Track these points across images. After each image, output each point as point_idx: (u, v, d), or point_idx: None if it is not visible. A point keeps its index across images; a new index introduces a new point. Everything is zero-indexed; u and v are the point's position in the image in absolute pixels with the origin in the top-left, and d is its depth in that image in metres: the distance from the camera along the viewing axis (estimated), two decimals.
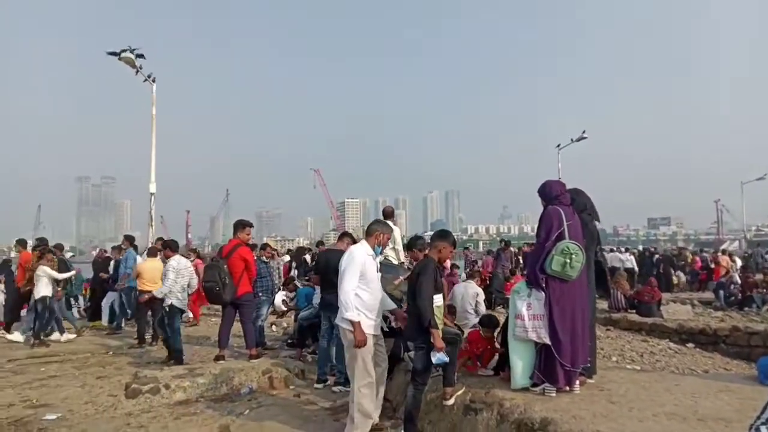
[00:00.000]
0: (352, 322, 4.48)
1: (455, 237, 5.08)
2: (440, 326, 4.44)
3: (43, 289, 9.75)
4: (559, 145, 32.06)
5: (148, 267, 9.52)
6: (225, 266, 7.32)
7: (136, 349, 9.45)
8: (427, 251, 4.91)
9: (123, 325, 11.57)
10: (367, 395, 4.59)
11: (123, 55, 16.15)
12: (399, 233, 9.63)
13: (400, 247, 9.37)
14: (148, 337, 9.85)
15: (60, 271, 10.39)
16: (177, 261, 8.15)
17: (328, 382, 6.62)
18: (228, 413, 5.63)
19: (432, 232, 5.46)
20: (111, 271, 11.96)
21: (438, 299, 4.47)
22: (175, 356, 7.89)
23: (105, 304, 11.96)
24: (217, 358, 7.32)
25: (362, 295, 4.56)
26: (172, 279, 7.87)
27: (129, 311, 11.22)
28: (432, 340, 4.25)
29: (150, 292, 8.65)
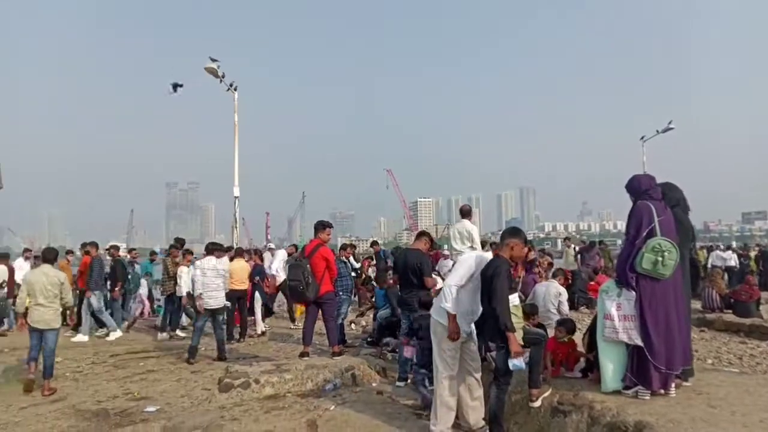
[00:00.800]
0: (447, 314, 4.53)
1: (532, 235, 4.99)
2: (520, 325, 4.37)
3: (183, 287, 10.36)
4: (643, 138, 30.54)
5: (237, 267, 9.98)
6: (308, 266, 7.53)
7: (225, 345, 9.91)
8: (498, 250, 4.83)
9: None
10: (448, 387, 4.65)
11: (207, 66, 16.96)
12: (477, 232, 9.54)
13: (478, 246, 9.29)
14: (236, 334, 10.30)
15: (117, 272, 11.03)
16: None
17: (409, 380, 6.67)
18: (314, 408, 5.78)
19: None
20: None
21: (514, 299, 4.40)
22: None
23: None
24: (302, 355, 7.55)
25: (461, 294, 4.57)
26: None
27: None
28: (509, 345, 4.19)
29: (241, 290, 9.07)
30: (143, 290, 13.49)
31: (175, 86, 18.21)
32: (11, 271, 11.20)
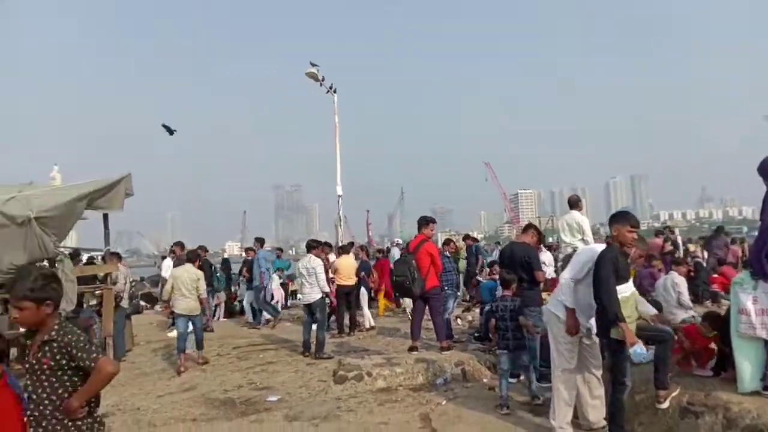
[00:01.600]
0: (566, 308, 4.43)
1: (646, 226, 4.69)
2: (632, 318, 4.10)
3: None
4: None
5: (344, 263, 10.29)
6: (413, 261, 7.60)
7: (336, 338, 10.26)
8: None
9: (262, 321, 12.41)
10: (565, 381, 4.54)
11: (307, 71, 17.62)
12: (587, 223, 9.13)
13: (589, 237, 8.89)
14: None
15: (203, 271, 11.73)
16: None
17: (521, 377, 6.54)
18: (426, 402, 5.85)
19: None
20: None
21: (624, 289, 4.14)
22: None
23: (246, 302, 13.28)
24: (411, 349, 7.64)
25: (579, 288, 4.44)
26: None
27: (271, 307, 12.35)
28: (623, 336, 3.97)
29: (349, 286, 9.36)
30: (275, 284, 14.61)
31: (169, 130, 18.65)
32: None
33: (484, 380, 6.70)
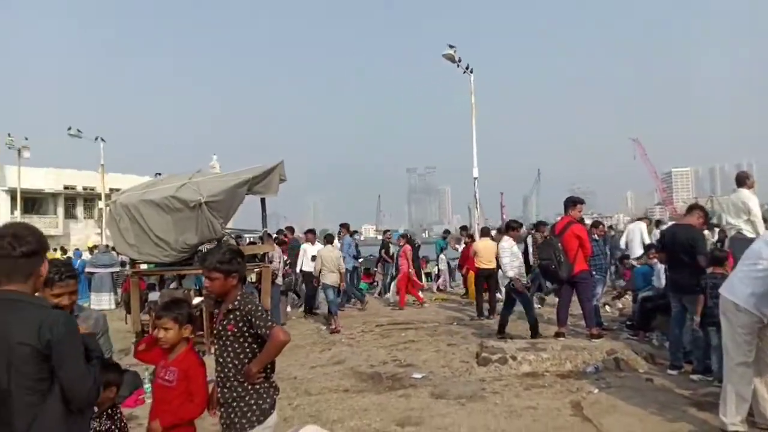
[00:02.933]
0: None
1: None
2: None
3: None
4: None
5: (483, 246, 10.19)
6: (559, 244, 7.31)
7: (475, 321, 10.23)
8: None
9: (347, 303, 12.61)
10: (741, 375, 4.16)
11: (444, 52, 17.56)
12: (756, 202, 8.12)
13: (758, 218, 7.92)
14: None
15: (292, 254, 12.04)
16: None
17: (683, 369, 6.05)
18: (577, 390, 5.63)
19: None
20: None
21: None
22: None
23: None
24: (557, 335, 7.39)
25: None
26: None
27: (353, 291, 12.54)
28: None
29: (489, 269, 9.26)
30: (443, 265, 15.03)
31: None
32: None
33: (641, 371, 6.29)
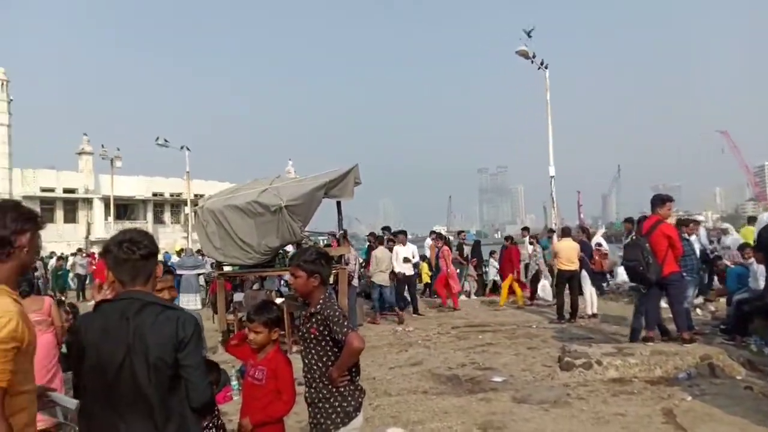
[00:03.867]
0: None
1: None
2: None
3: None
4: None
5: (565, 246, 9.90)
6: (647, 244, 6.98)
7: (555, 324, 9.95)
8: None
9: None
10: None
11: (518, 49, 17.23)
12: None
13: None
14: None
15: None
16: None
17: None
18: (668, 397, 5.36)
19: None
20: None
21: None
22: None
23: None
24: (646, 340, 7.05)
25: None
26: None
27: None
28: None
29: (570, 270, 8.98)
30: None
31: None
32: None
33: (738, 378, 5.90)
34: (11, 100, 38.31)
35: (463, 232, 16.58)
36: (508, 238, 15.53)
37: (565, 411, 5.21)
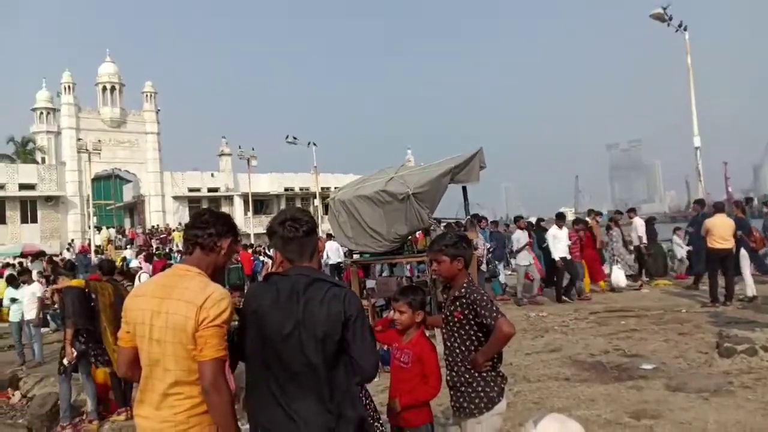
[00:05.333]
0: None
1: None
2: None
3: None
4: None
5: (718, 223, 8.99)
6: None
7: (709, 308, 9.12)
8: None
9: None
10: None
11: (653, 12, 15.91)
12: None
13: None
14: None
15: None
16: None
17: None
18: None
19: None
20: None
21: None
22: None
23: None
24: None
25: None
26: None
27: None
28: None
29: (725, 249, 8.15)
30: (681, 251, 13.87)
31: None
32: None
33: None
34: (159, 110, 42.55)
35: (594, 212, 15.62)
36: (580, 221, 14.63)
37: (728, 400, 4.78)
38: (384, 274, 10.93)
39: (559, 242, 11.12)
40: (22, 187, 36.33)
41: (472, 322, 2.98)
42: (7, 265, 17.99)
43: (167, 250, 22.20)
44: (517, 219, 12.77)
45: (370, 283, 10.45)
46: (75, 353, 6.09)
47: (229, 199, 43.53)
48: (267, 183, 44.82)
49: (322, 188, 38.33)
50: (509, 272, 14.12)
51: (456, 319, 3.04)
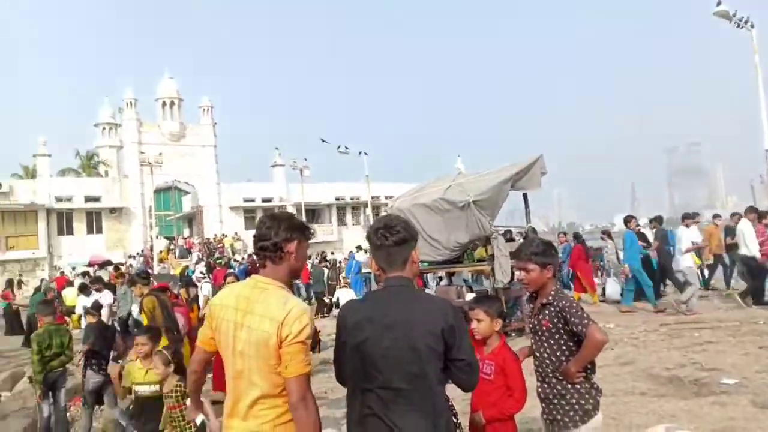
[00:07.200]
0: None
1: None
2: None
3: None
4: None
5: None
6: None
7: None
8: None
9: None
10: None
11: (716, 10, 15.27)
12: None
13: None
14: None
15: None
16: None
17: None
18: None
19: None
20: None
21: None
22: None
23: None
24: None
25: None
26: None
27: None
28: None
29: None
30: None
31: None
32: None
33: None
34: (215, 123, 43.88)
35: (654, 221, 14.89)
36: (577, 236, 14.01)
37: None
38: (442, 283, 10.84)
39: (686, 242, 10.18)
40: (88, 199, 38.04)
41: (562, 331, 2.88)
42: (83, 273, 18.84)
43: (227, 260, 22.74)
44: (629, 219, 11.29)
45: (429, 292, 10.38)
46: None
47: (282, 209, 44.35)
48: (319, 192, 45.46)
49: (373, 197, 38.51)
50: None
51: (544, 328, 2.95)
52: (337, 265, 20.99)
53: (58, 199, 36.28)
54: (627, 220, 11.11)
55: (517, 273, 3.12)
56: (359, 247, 25.41)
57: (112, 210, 38.50)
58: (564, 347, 2.90)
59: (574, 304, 2.87)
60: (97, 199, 38.30)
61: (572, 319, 2.79)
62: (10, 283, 19.81)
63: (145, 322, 6.66)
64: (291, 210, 43.52)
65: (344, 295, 12.78)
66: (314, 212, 45.86)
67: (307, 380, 2.12)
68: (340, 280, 16.76)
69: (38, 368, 6.17)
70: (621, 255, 11.94)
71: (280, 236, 2.28)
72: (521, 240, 10.00)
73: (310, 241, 2.41)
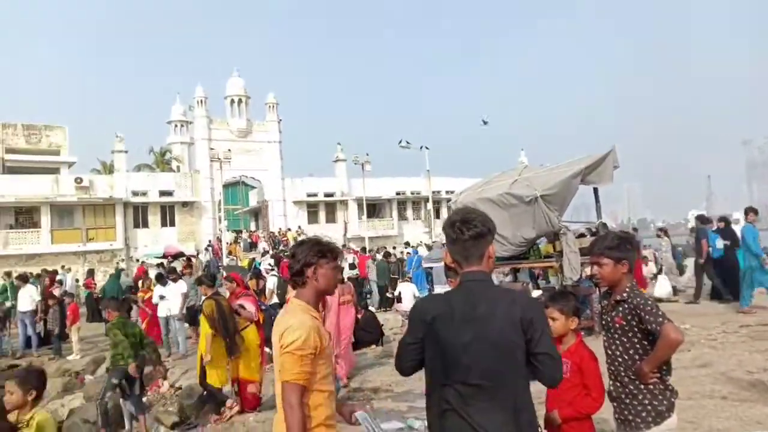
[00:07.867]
0: None
1: None
2: None
3: None
4: None
5: None
6: None
7: None
8: None
9: None
10: None
11: None
12: None
13: None
14: None
15: None
16: None
17: None
18: None
19: None
20: None
21: None
22: None
23: None
24: None
25: None
26: None
27: None
28: None
29: None
30: None
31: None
32: None
33: None
34: (280, 120, 44.90)
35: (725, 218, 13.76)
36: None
37: None
38: (507, 279, 10.69)
39: None
40: (162, 193, 39.78)
41: (636, 329, 2.81)
42: (159, 265, 19.88)
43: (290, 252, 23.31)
44: (749, 211, 10.29)
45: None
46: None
47: (344, 203, 44.90)
48: (380, 187, 45.71)
49: (433, 192, 38.35)
50: None
51: (617, 326, 2.89)
52: (400, 257, 21.05)
53: (134, 194, 38.09)
54: (747, 212, 10.24)
55: (588, 268, 3.04)
56: (407, 243, 25.42)
57: (184, 204, 40.08)
58: (637, 345, 2.83)
59: (650, 302, 2.79)
60: (170, 194, 39.97)
61: (647, 316, 2.72)
62: (91, 273, 21.10)
63: (203, 323, 6.99)
64: (353, 205, 44.08)
65: (405, 289, 12.81)
66: (375, 206, 46.14)
67: (295, 388, 2.31)
68: (402, 274, 16.82)
69: (131, 351, 6.71)
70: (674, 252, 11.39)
71: (300, 263, 2.55)
72: (589, 236, 9.73)
73: (337, 261, 2.62)
